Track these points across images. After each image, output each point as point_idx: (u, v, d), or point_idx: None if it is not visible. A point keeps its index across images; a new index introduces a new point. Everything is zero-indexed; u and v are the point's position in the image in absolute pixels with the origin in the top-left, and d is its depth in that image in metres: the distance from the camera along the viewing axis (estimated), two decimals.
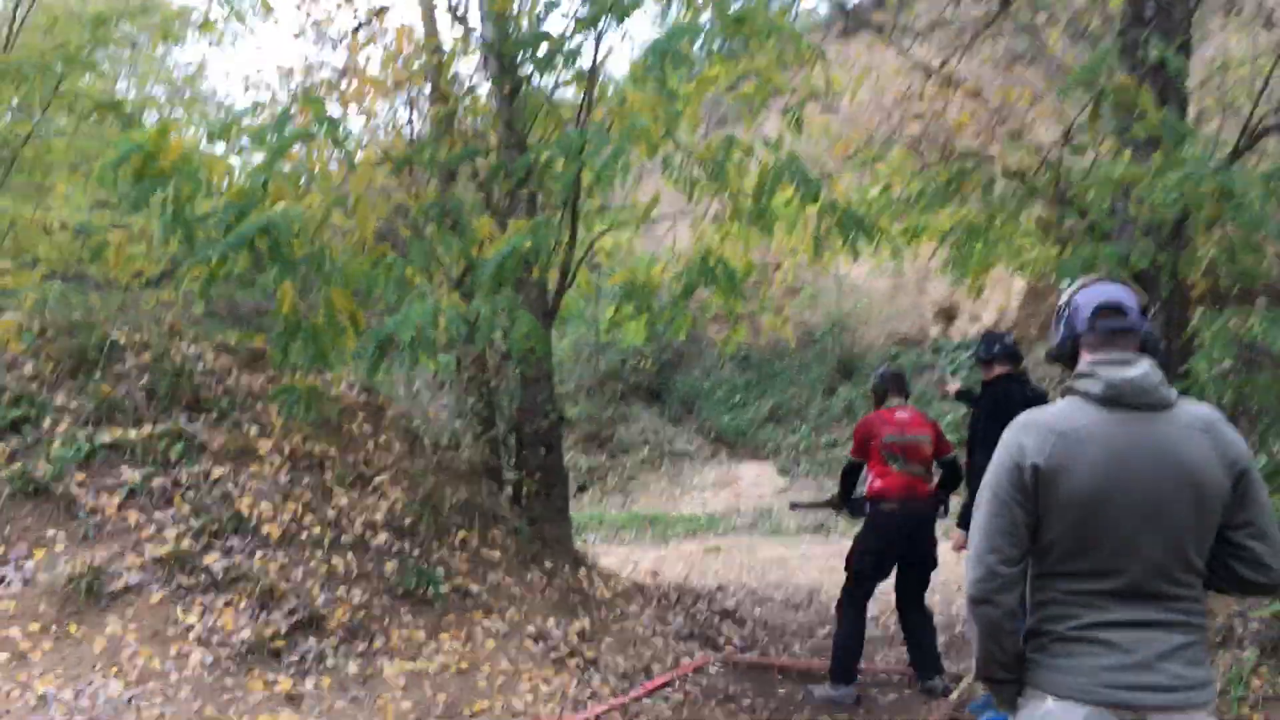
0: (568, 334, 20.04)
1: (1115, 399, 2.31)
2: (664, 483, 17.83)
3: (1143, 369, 2.33)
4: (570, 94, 8.66)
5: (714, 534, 14.49)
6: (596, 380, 20.17)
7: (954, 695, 6.36)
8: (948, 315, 18.36)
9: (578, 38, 6.81)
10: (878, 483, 6.56)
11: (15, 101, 10.93)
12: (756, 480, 16.83)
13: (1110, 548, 2.27)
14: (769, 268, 9.35)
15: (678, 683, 6.66)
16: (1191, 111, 7.69)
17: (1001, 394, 5.79)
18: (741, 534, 14.54)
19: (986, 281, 8.99)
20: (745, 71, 7.51)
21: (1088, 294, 2.48)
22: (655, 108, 6.09)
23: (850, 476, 6.98)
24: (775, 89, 7.34)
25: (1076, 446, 2.29)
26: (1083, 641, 2.28)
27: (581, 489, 17.65)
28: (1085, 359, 2.42)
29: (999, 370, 5.97)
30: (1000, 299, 16.33)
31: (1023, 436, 2.35)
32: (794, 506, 8.26)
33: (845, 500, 7.07)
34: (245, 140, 6.39)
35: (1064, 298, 2.56)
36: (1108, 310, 2.42)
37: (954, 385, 6.68)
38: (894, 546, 6.59)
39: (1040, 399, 5.68)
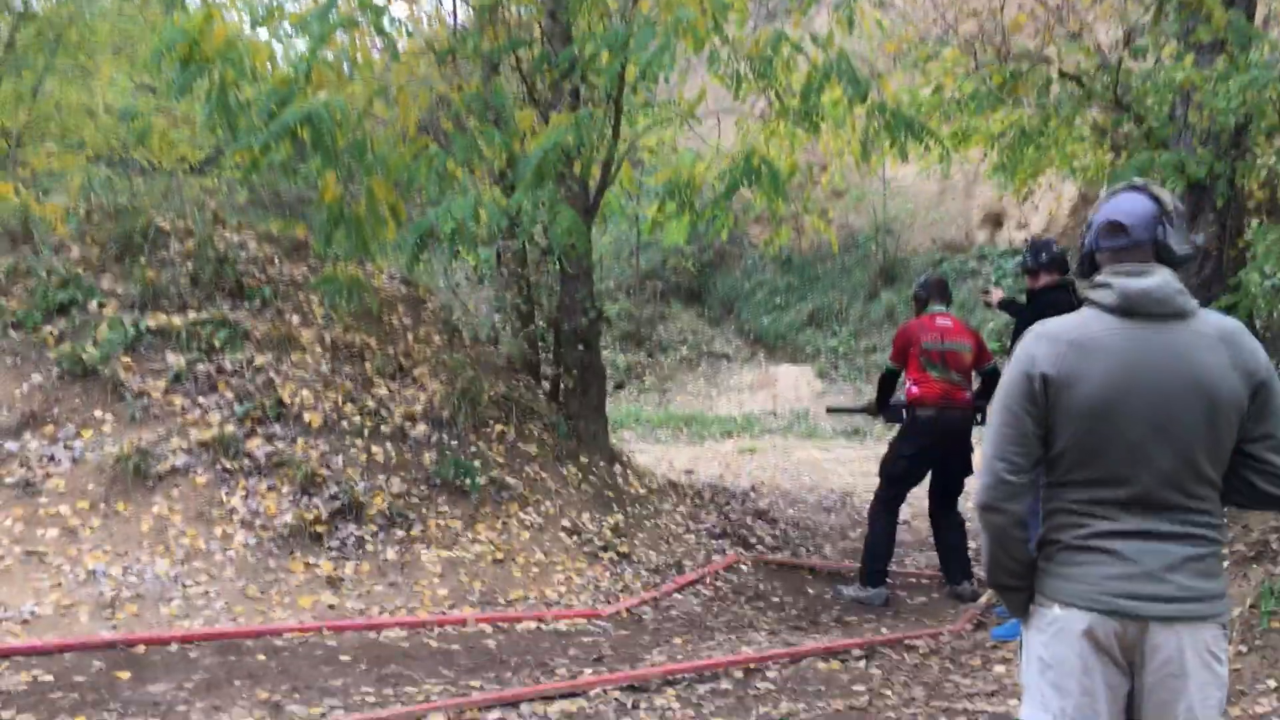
0: (608, 231, 19.95)
1: (1130, 309, 2.29)
2: (701, 383, 17.90)
3: (1159, 279, 2.30)
4: None
5: (749, 435, 14.58)
6: (636, 279, 20.13)
7: (983, 599, 6.42)
8: (995, 221, 18.07)
9: None
10: (915, 389, 6.57)
11: None
12: (794, 383, 16.85)
13: (1119, 457, 2.26)
14: (814, 169, 9.18)
15: (708, 579, 6.77)
16: (1260, 14, 7.38)
17: (1047, 303, 5.70)
18: (777, 436, 14.62)
19: (1036, 187, 8.80)
20: None
21: (1102, 209, 2.44)
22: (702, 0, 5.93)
23: (888, 382, 6.99)
24: None
25: (1088, 356, 2.28)
26: (1089, 550, 2.28)
27: (619, 387, 17.75)
28: (1103, 270, 2.40)
29: (1045, 279, 5.87)
30: (1050, 205, 16.01)
31: (1035, 346, 2.34)
32: (831, 410, 8.31)
33: (882, 407, 7.09)
34: (288, 26, 6.30)
35: (1094, 209, 2.52)
36: (1111, 227, 2.38)
37: (997, 294, 6.59)
38: (929, 452, 6.62)
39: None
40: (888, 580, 6.77)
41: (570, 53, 6.73)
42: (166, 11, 6.53)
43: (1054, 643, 2.31)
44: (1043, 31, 7.14)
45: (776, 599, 6.65)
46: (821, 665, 5.05)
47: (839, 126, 8.27)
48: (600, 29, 7.21)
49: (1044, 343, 2.33)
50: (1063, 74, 6.70)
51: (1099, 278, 2.39)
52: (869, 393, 7.01)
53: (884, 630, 5.89)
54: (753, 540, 7.82)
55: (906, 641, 5.51)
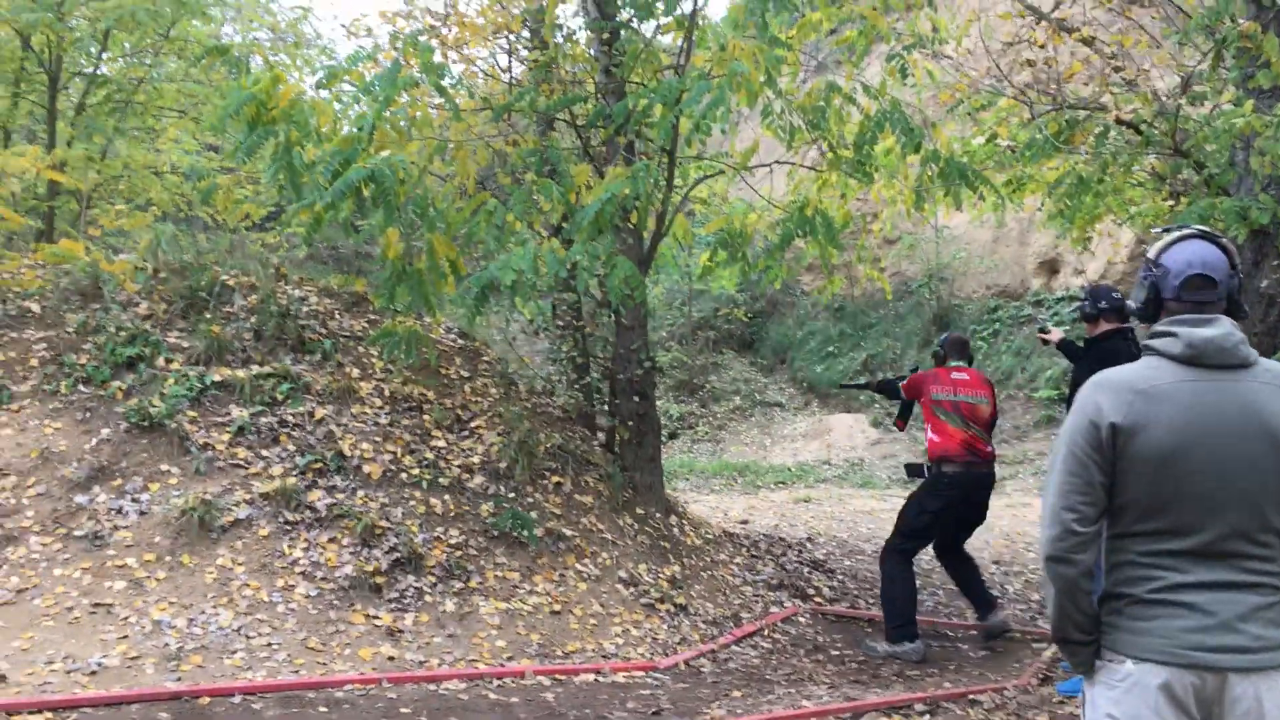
0: (660, 281, 20.05)
1: (1195, 358, 2.28)
2: (754, 432, 17.83)
3: (1224, 328, 2.29)
4: (669, 40, 8.60)
5: (804, 485, 14.48)
6: (689, 328, 20.18)
7: (1048, 653, 6.30)
8: (1050, 268, 17.91)
9: None
10: (935, 438, 6.59)
11: (128, 47, 11.23)
12: (848, 432, 16.72)
13: (1188, 508, 2.24)
14: (865, 217, 9.20)
15: (766, 631, 6.71)
16: None
17: (1107, 350, 5.64)
18: (832, 485, 14.51)
19: (1095, 234, 8.74)
20: (848, 16, 7.35)
21: (1177, 258, 2.41)
22: (756, 54, 6.00)
23: (890, 386, 7.30)
24: (879, 34, 7.18)
25: (1155, 405, 2.26)
26: (1162, 604, 2.25)
27: (672, 436, 17.74)
28: (1164, 317, 2.38)
29: (1105, 326, 5.81)
30: (1107, 251, 15.85)
31: (1099, 395, 2.32)
32: (843, 386, 8.66)
33: (881, 389, 7.54)
34: (349, 86, 6.47)
35: (1152, 252, 2.49)
36: (1198, 281, 2.36)
37: (1056, 334, 6.55)
38: (954, 508, 6.64)
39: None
40: (919, 630, 6.67)
41: (624, 107, 6.82)
42: (231, 75, 6.71)
43: (1126, 699, 2.27)
44: (1098, 79, 7.12)
45: (836, 651, 6.57)
46: None
47: (892, 176, 8.29)
48: (654, 83, 7.31)
49: (1110, 391, 2.31)
50: (1120, 121, 6.66)
51: (1161, 326, 2.38)
52: (924, 441, 6.99)
53: (947, 684, 5.79)
54: (810, 591, 7.75)
55: (970, 696, 5.42)
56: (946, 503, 6.60)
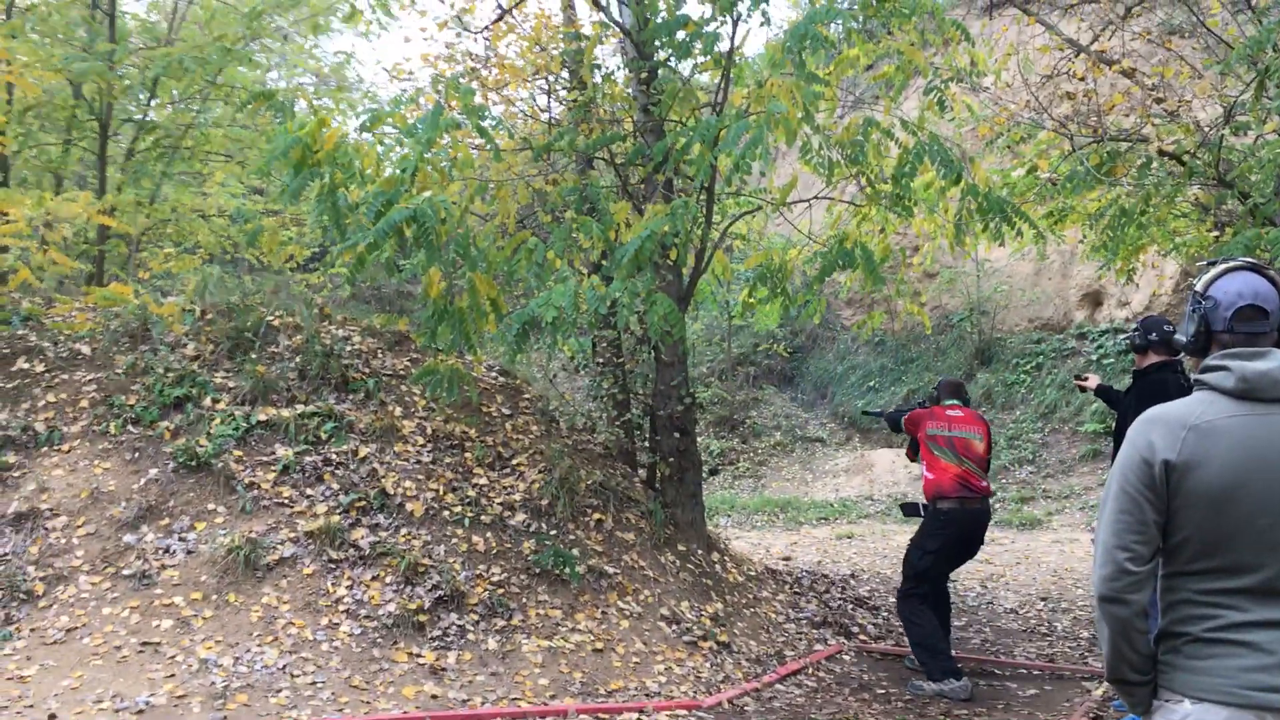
0: (700, 317, 20.06)
1: (1249, 392, 2.25)
2: (796, 468, 17.72)
3: (1277, 361, 2.26)
4: (707, 78, 8.66)
5: (846, 520, 14.36)
6: (729, 363, 20.15)
7: (1098, 691, 6.19)
8: (1094, 300, 17.72)
9: (715, 21, 6.79)
10: (930, 475, 6.62)
11: (176, 93, 11.48)
12: (890, 467, 16.57)
13: (1245, 545, 2.20)
14: (905, 251, 9.17)
15: (811, 669, 6.64)
16: None
17: (1156, 383, 5.58)
18: (874, 521, 14.38)
19: (1139, 265, 8.66)
20: (885, 52, 7.38)
21: (1228, 289, 2.38)
22: (793, 91, 6.03)
23: (894, 419, 7.25)
24: (916, 69, 7.19)
25: (1209, 441, 2.22)
26: (1220, 643, 2.21)
27: (713, 473, 17.67)
28: (1215, 351, 2.35)
29: (1154, 358, 5.74)
30: (1151, 283, 15.68)
31: (1152, 431, 2.28)
32: (865, 414, 8.64)
33: (890, 419, 7.41)
34: (391, 129, 6.56)
35: (1199, 285, 2.46)
36: (1250, 312, 2.33)
37: (1093, 380, 6.52)
38: (954, 545, 6.64)
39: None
40: (995, 671, 6.57)
41: (663, 146, 6.87)
42: (277, 119, 6.84)
43: None
44: (1139, 110, 7.09)
45: (882, 690, 6.49)
46: None
47: (932, 210, 8.28)
48: (692, 121, 7.36)
49: (1162, 427, 2.28)
50: (1162, 152, 6.62)
51: (1213, 360, 2.34)
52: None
53: None
54: (854, 629, 7.67)
55: None
56: (944, 541, 6.59)
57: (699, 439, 18.03)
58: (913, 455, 7.32)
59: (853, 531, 13.12)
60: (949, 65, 7.50)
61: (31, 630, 5.53)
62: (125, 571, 5.90)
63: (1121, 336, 6.60)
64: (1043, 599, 8.99)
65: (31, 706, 4.89)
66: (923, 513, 6.75)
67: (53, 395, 7.02)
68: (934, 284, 19.14)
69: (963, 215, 7.23)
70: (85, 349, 7.43)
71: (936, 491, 6.57)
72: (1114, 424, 6.24)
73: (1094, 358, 16.54)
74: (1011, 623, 8.29)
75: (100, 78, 9.69)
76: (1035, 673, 6.99)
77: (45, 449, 6.63)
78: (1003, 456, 15.83)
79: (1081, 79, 7.24)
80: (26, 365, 7.23)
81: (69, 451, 6.65)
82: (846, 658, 7.05)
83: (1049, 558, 10.93)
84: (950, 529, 6.56)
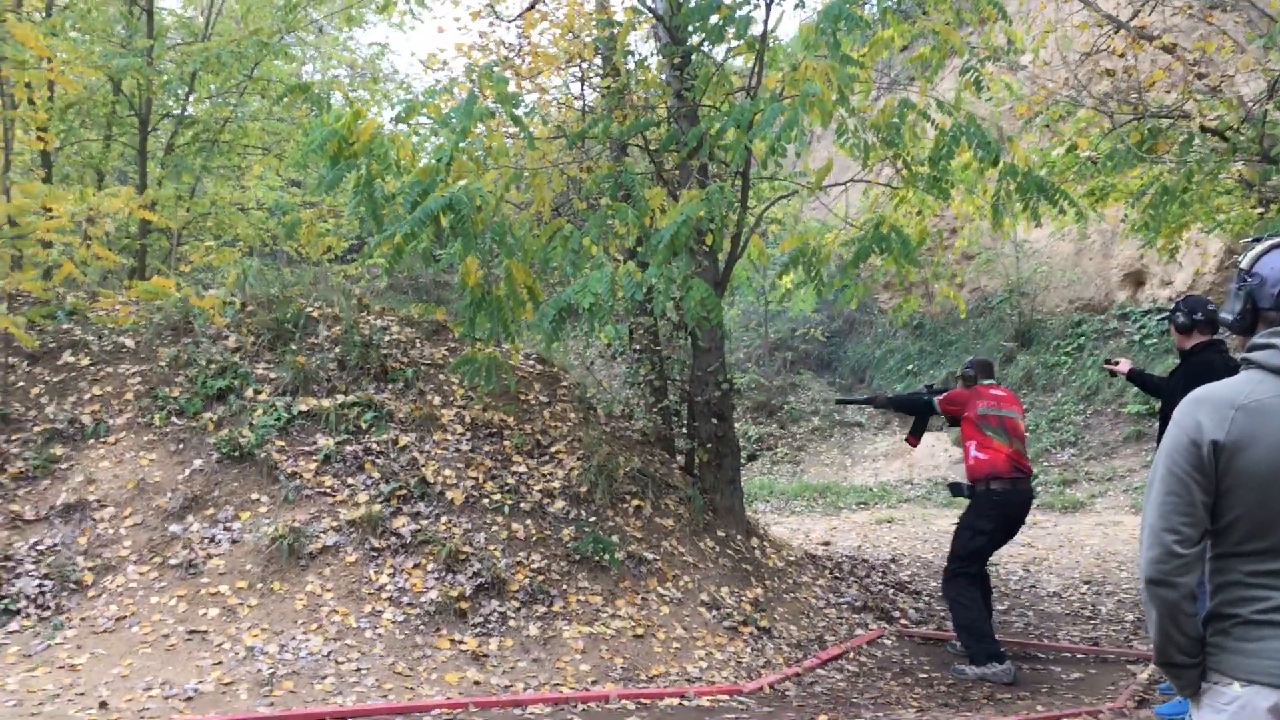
0: (736, 303, 20.00)
1: None
2: (834, 452, 17.65)
3: None
4: (741, 62, 8.62)
5: (886, 505, 14.30)
6: (766, 349, 20.09)
7: (1144, 674, 6.13)
8: (1136, 280, 17.49)
9: (748, 4, 6.75)
10: (981, 455, 6.54)
11: (214, 88, 11.58)
12: (930, 451, 16.45)
13: None
14: (942, 234, 9.07)
15: (852, 654, 6.63)
16: None
17: (1201, 364, 5.50)
18: (915, 505, 14.31)
19: (1181, 243, 8.53)
20: (921, 32, 7.30)
21: (1274, 265, 2.33)
22: (828, 73, 5.98)
23: (917, 404, 7.16)
24: (952, 49, 7.11)
25: (1258, 421, 2.18)
26: (1270, 624, 2.17)
27: (751, 458, 17.64)
28: (1262, 329, 2.30)
29: (1198, 338, 5.66)
30: (1194, 261, 15.45)
31: (1199, 411, 2.25)
32: (839, 402, 8.54)
33: (894, 404, 7.40)
34: (426, 119, 6.58)
35: (1245, 262, 2.42)
36: None
37: (1125, 364, 6.43)
38: (1005, 525, 6.62)
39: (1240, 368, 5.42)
40: (1039, 655, 6.53)
41: (698, 131, 6.85)
42: (313, 112, 6.88)
43: None
44: (1180, 86, 6.97)
45: (924, 674, 6.46)
46: None
47: (970, 191, 8.20)
48: (726, 106, 7.33)
49: (1210, 407, 2.24)
50: (1204, 128, 6.50)
51: (1260, 338, 2.30)
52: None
53: (1039, 708, 5.65)
54: (895, 613, 7.64)
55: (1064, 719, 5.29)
56: (996, 522, 6.56)
57: (737, 425, 18.02)
58: (915, 440, 7.27)
59: (892, 516, 13.06)
60: (986, 44, 7.40)
61: (82, 619, 5.63)
62: (172, 561, 5.99)
63: (1159, 318, 6.44)
64: (1086, 582, 8.91)
65: (83, 694, 4.98)
66: (968, 493, 6.69)
67: (98, 388, 7.13)
68: (972, 266, 18.97)
69: (1001, 195, 7.15)
70: (129, 342, 7.53)
71: (990, 471, 6.52)
72: (1158, 405, 6.16)
73: (1136, 338, 16.33)
74: (1054, 606, 8.23)
75: (139, 74, 9.79)
76: (1079, 656, 6.94)
77: (92, 441, 6.74)
78: (1044, 439, 15.68)
79: (1121, 55, 7.12)
80: (72, 359, 7.34)
81: (115, 443, 6.75)
82: (888, 642, 7.03)
83: (1092, 540, 10.83)
84: (1004, 509, 6.55)
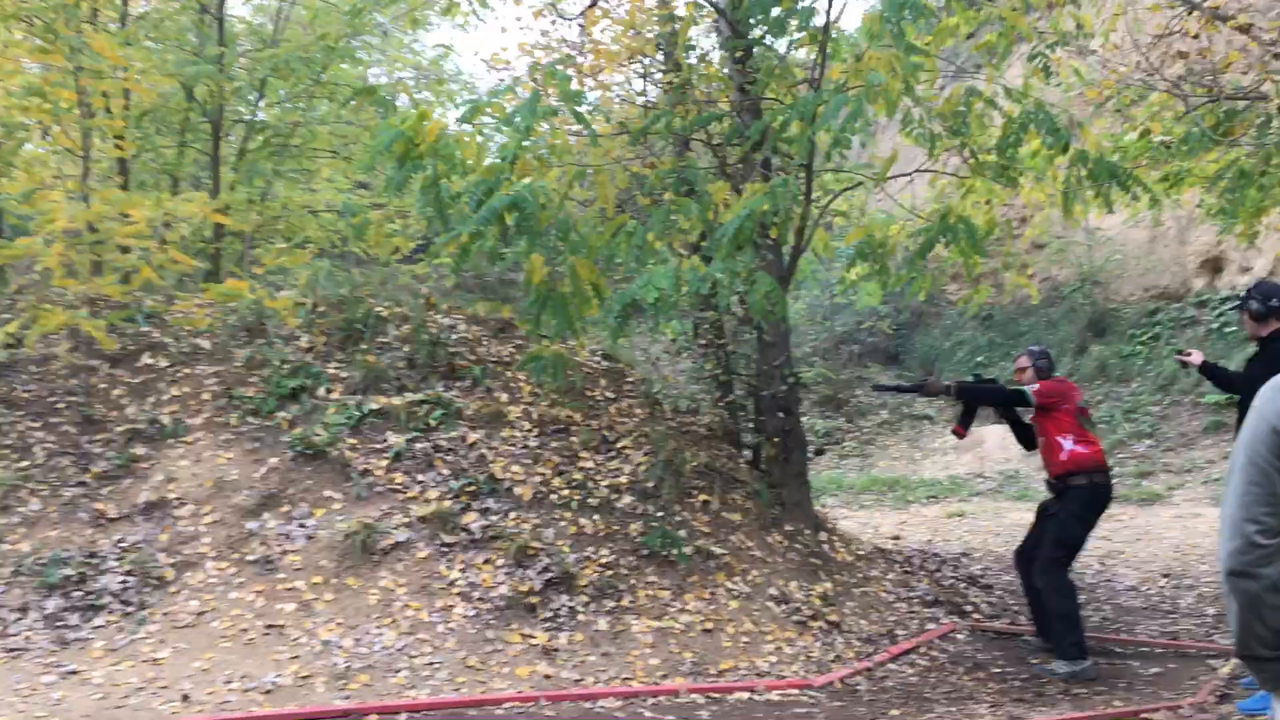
0: (801, 297, 19.88)
1: None
2: (903, 446, 17.48)
3: None
4: (804, 54, 8.56)
5: (957, 498, 14.13)
6: (832, 342, 19.95)
7: (1225, 669, 6.00)
8: (1213, 266, 17.06)
9: None
10: (1081, 450, 6.39)
11: (283, 93, 11.79)
12: (1002, 443, 16.19)
13: None
14: (1011, 223, 8.91)
15: (923, 648, 6.57)
16: None
17: None
18: (986, 499, 14.12)
19: (1261, 228, 8.31)
20: (987, 18, 7.20)
21: None
22: (892, 62, 5.92)
23: (1001, 395, 6.85)
24: (1020, 35, 7.00)
25: None
26: None
27: (818, 453, 17.53)
28: None
29: (1276, 324, 5.51)
30: (1275, 246, 15.03)
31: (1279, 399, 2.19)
32: (877, 388, 8.09)
33: (967, 393, 6.87)
34: (490, 119, 6.64)
35: None
36: None
37: (1197, 356, 6.28)
38: (1098, 519, 6.52)
39: None
40: (1116, 649, 6.42)
41: (761, 125, 6.83)
42: (379, 114, 6.98)
43: None
44: (1257, 67, 6.79)
45: (998, 669, 6.38)
46: None
47: (1040, 179, 8.06)
48: (789, 99, 7.29)
49: None
50: None
51: None
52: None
53: (1117, 703, 5.55)
54: (967, 607, 7.55)
55: (1143, 715, 5.19)
56: (1098, 513, 6.47)
57: (804, 419, 17.91)
58: (963, 431, 7.07)
59: (963, 510, 12.90)
60: (1054, 29, 7.27)
61: (164, 614, 5.78)
62: (249, 557, 6.13)
63: (1229, 306, 6.23)
64: (1165, 575, 8.72)
65: (166, 687, 5.12)
66: (1064, 486, 6.54)
67: (176, 389, 7.31)
68: (1043, 255, 18.66)
69: (1071, 182, 7.02)
70: (205, 343, 7.71)
71: (1093, 464, 6.41)
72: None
73: (1214, 326, 15.94)
74: (1132, 600, 8.08)
75: (211, 80, 10.00)
76: (1158, 650, 6.80)
77: (171, 441, 6.90)
78: (1120, 430, 15.38)
79: (1195, 37, 6.95)
80: (151, 360, 7.52)
81: (193, 443, 6.91)
82: (960, 636, 6.95)
83: (1170, 533, 10.60)
84: (1105, 503, 6.49)
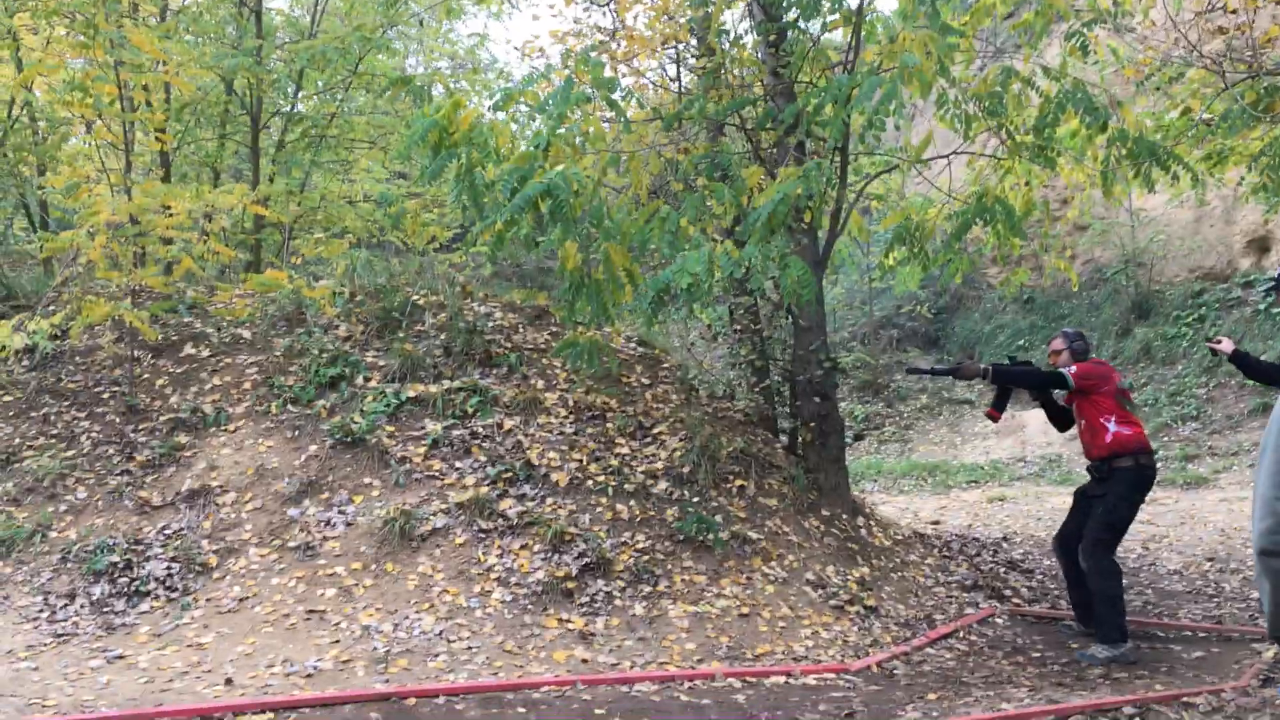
0: (840, 281, 19.79)
1: None
2: (944, 431, 17.37)
3: None
4: (839, 36, 8.51)
5: (998, 483, 14.03)
6: (871, 327, 19.84)
7: (1269, 653, 5.92)
8: (1260, 246, 16.77)
9: None
10: (1125, 431, 6.32)
11: (320, 84, 11.89)
12: (1043, 428, 16.06)
13: None
14: (1048, 204, 8.78)
15: (962, 633, 6.54)
16: None
17: None
18: (1028, 483, 14.01)
19: None
20: None
21: None
22: (927, 43, 5.87)
23: (1036, 378, 6.69)
24: (1058, 14, 6.91)
25: None
26: None
27: (858, 438, 17.47)
28: None
29: None
30: None
31: None
32: (911, 371, 7.94)
33: (1003, 377, 6.68)
34: (524, 107, 6.66)
35: None
36: None
37: (1227, 344, 6.18)
38: (1144, 498, 6.46)
39: None
40: (1159, 634, 6.35)
41: (794, 108, 6.79)
42: (415, 104, 7.03)
43: None
44: None
45: (1037, 654, 6.34)
46: None
47: (1079, 159, 7.96)
48: (823, 81, 7.25)
49: None
50: None
51: None
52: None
53: (1158, 687, 5.50)
54: (1007, 592, 7.50)
55: (1184, 699, 5.13)
56: (1143, 495, 6.40)
57: (843, 404, 17.84)
58: (998, 414, 6.98)
59: (1004, 494, 12.81)
60: (1092, 7, 7.16)
61: (207, 600, 5.88)
62: (290, 544, 6.21)
63: (1262, 285, 6.06)
64: (1209, 559, 8.61)
65: (209, 671, 5.20)
66: (1107, 468, 6.47)
67: (218, 378, 7.41)
68: (1085, 237, 18.43)
69: (1111, 162, 6.93)
70: (246, 333, 7.81)
71: (1138, 445, 6.35)
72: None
73: (1261, 307, 15.68)
74: (1175, 584, 7.99)
75: (249, 73, 10.10)
76: (1201, 635, 6.72)
77: (213, 429, 7.01)
78: (1164, 413, 15.20)
79: (1234, 12, 6.83)
80: (193, 350, 7.64)
81: (235, 431, 7.01)
82: (999, 621, 6.91)
83: (1216, 517, 10.46)
84: (1150, 484, 6.42)
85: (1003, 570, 8.03)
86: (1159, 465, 13.06)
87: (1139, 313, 17.58)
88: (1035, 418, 16.48)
